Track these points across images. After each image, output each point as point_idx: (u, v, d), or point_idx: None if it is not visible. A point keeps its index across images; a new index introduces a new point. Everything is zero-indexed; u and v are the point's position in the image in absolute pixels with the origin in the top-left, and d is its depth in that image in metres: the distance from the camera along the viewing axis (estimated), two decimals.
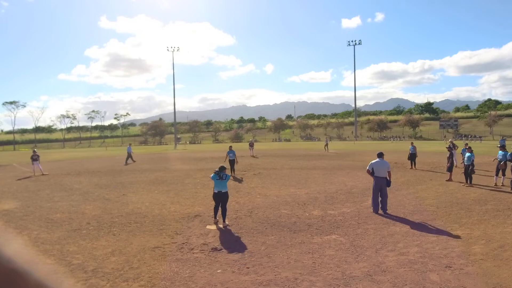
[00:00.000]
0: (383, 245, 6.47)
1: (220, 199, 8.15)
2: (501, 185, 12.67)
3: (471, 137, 74.27)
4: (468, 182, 13.02)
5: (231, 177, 16.31)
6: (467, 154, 13.41)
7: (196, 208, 9.99)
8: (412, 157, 18.96)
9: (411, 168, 18.83)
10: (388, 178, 9.27)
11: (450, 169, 14.85)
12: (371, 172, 9.41)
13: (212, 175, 8.32)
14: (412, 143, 21.14)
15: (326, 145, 38.77)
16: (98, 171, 21.55)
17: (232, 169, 17.76)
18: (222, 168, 8.35)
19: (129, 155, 27.50)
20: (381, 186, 9.21)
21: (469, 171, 13.05)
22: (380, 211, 9.18)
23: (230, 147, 19.15)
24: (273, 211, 9.47)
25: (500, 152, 13.23)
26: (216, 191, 8.18)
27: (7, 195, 13.04)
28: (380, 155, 9.58)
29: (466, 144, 17.18)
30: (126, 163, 26.10)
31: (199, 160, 28.97)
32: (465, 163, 13.36)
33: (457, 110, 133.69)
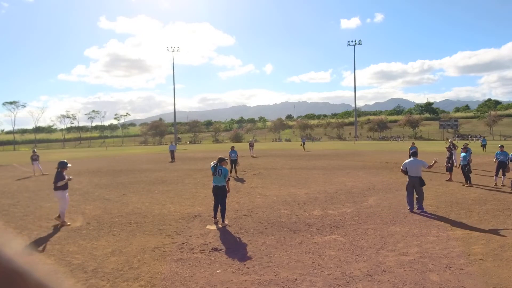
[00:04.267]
0: (383, 245, 6.47)
1: (217, 193, 8.22)
2: (501, 185, 12.67)
3: (471, 137, 74.23)
4: (468, 182, 13.03)
5: (233, 178, 16.30)
6: (462, 154, 13.50)
7: (196, 208, 9.99)
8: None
9: None
10: (421, 176, 9.43)
11: (450, 169, 14.85)
12: (405, 172, 9.53)
13: (211, 166, 8.45)
14: (413, 143, 21.04)
15: (303, 144, 41.96)
16: (98, 171, 21.55)
17: (234, 169, 17.75)
18: (220, 160, 8.44)
19: (172, 153, 28.93)
20: (414, 185, 9.31)
21: (466, 171, 13.09)
22: (416, 210, 9.20)
23: (232, 147, 19.11)
24: (273, 211, 9.47)
25: (498, 152, 13.19)
26: (213, 185, 8.33)
27: (7, 195, 13.04)
28: (414, 154, 9.84)
29: (466, 144, 17.21)
30: (173, 160, 27.93)
31: (199, 160, 28.99)
32: (461, 163, 13.40)
33: (457, 110, 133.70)
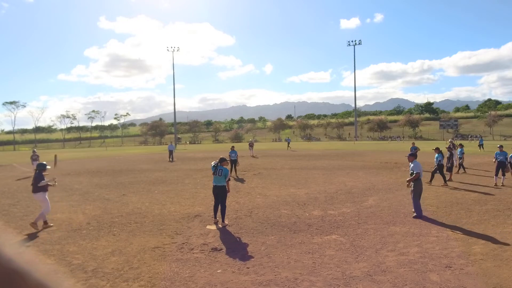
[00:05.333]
0: (383, 245, 6.47)
1: (218, 193, 8.23)
2: (501, 185, 12.66)
3: (471, 137, 74.23)
4: (430, 180, 13.51)
5: (233, 178, 16.29)
6: (436, 155, 13.76)
7: (196, 208, 9.99)
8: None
9: None
10: None
11: (450, 169, 14.85)
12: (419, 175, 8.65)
13: (212, 166, 8.46)
14: (413, 143, 20.98)
15: (288, 143, 47.02)
16: (98, 171, 21.55)
17: (234, 169, 17.75)
18: (221, 160, 8.47)
19: (171, 153, 29.14)
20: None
21: (436, 171, 13.39)
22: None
23: (232, 147, 19.12)
24: (273, 211, 9.47)
25: (497, 152, 13.23)
26: (213, 185, 8.34)
27: (7, 195, 13.04)
28: (415, 155, 9.19)
29: (461, 145, 17.40)
30: (172, 160, 28.17)
31: (199, 160, 28.99)
32: (435, 163, 13.63)
33: (457, 110, 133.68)
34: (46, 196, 8.30)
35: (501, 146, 13.47)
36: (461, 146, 17.25)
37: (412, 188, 8.77)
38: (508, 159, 12.71)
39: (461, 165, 16.75)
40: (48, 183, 8.30)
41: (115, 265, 5.68)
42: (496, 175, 12.93)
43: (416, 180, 8.69)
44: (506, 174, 12.90)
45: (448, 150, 15.74)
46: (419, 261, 5.62)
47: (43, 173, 8.41)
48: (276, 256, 6.02)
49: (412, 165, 8.89)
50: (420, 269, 5.28)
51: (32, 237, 7.46)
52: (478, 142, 36.87)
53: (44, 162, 8.78)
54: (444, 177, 13.40)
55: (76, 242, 6.96)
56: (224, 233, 7.54)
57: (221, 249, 6.47)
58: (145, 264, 5.74)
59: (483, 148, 33.55)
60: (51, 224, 8.28)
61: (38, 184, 8.15)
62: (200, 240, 7.00)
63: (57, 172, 21.40)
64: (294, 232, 7.47)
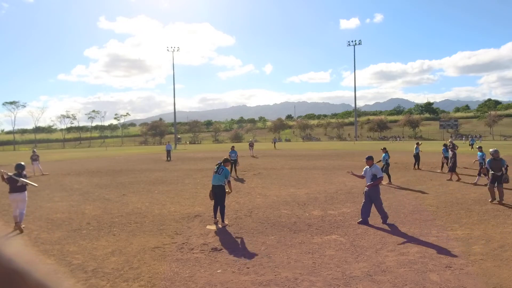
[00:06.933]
0: (383, 245, 6.47)
1: (216, 193, 8.20)
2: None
3: (471, 137, 74.23)
4: (389, 180, 13.93)
5: (233, 178, 16.28)
6: (383, 155, 14.37)
7: (196, 208, 9.99)
8: (417, 157, 18.98)
9: (414, 168, 18.89)
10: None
11: (452, 169, 14.82)
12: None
13: (216, 165, 8.53)
14: (417, 143, 20.73)
15: (274, 143, 52.63)
16: (98, 171, 21.55)
17: (234, 169, 17.76)
18: (225, 160, 8.52)
19: (168, 153, 29.27)
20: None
21: (383, 170, 13.43)
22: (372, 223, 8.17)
23: (232, 147, 19.13)
24: (273, 211, 9.47)
25: (479, 153, 13.66)
26: (212, 184, 8.31)
27: (7, 195, 13.02)
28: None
29: (445, 145, 17.61)
30: (169, 159, 28.51)
31: (199, 160, 29.00)
32: (383, 163, 14.19)
33: (457, 110, 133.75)
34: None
35: (479, 147, 14.11)
36: (446, 146, 17.41)
37: (368, 193, 8.21)
38: (486, 162, 12.60)
39: (444, 164, 16.98)
40: (30, 183, 8.16)
41: (115, 265, 5.68)
42: (479, 175, 13.19)
43: (377, 185, 8.23)
44: (481, 174, 12.85)
45: (450, 150, 15.70)
46: (419, 261, 5.62)
47: (23, 173, 8.23)
48: (276, 256, 6.02)
49: (373, 169, 8.22)
50: (420, 269, 5.28)
51: (32, 237, 7.46)
52: (476, 141, 37.29)
53: (23, 163, 8.56)
54: (389, 176, 14.08)
55: (76, 242, 6.96)
56: (224, 233, 7.53)
57: (221, 249, 6.47)
58: (145, 264, 5.74)
59: (473, 148, 34.17)
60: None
61: (17, 184, 8.01)
62: (200, 240, 7.00)
63: (57, 171, 21.40)
64: (294, 232, 7.47)
